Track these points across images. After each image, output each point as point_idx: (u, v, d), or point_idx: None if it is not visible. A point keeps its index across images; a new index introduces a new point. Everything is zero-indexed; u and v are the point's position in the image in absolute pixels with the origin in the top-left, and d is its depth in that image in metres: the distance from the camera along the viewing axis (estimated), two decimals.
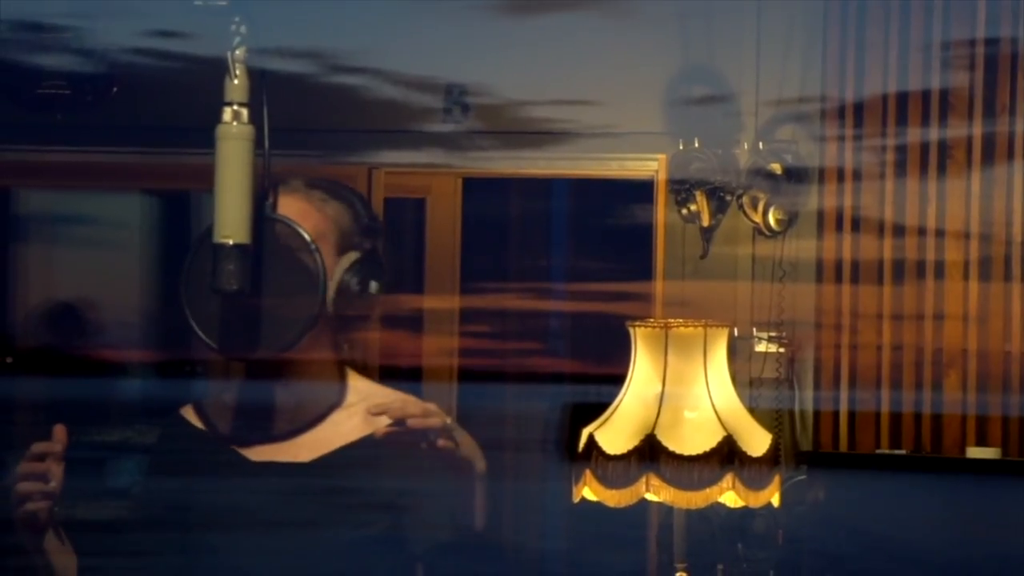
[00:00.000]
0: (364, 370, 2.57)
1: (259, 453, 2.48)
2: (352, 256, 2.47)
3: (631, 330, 3.86)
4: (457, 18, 5.01)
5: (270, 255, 2.35)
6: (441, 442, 2.35)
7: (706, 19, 5.12)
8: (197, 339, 2.39)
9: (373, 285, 2.48)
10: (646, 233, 5.27)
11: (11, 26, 5.09)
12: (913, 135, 5.00)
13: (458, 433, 2.40)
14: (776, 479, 3.80)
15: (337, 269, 2.45)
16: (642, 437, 3.70)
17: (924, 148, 5.00)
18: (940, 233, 4.96)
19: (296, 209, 2.44)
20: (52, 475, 2.35)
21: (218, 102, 2.32)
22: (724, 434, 3.70)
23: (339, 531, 2.42)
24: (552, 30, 5.08)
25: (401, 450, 2.36)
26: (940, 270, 4.96)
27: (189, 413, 2.56)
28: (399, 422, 2.33)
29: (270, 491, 2.44)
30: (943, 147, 4.98)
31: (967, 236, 4.94)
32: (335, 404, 2.51)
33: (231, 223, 2.30)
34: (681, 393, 3.75)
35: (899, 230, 4.99)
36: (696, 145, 5.02)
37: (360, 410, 2.48)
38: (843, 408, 4.99)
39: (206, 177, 2.33)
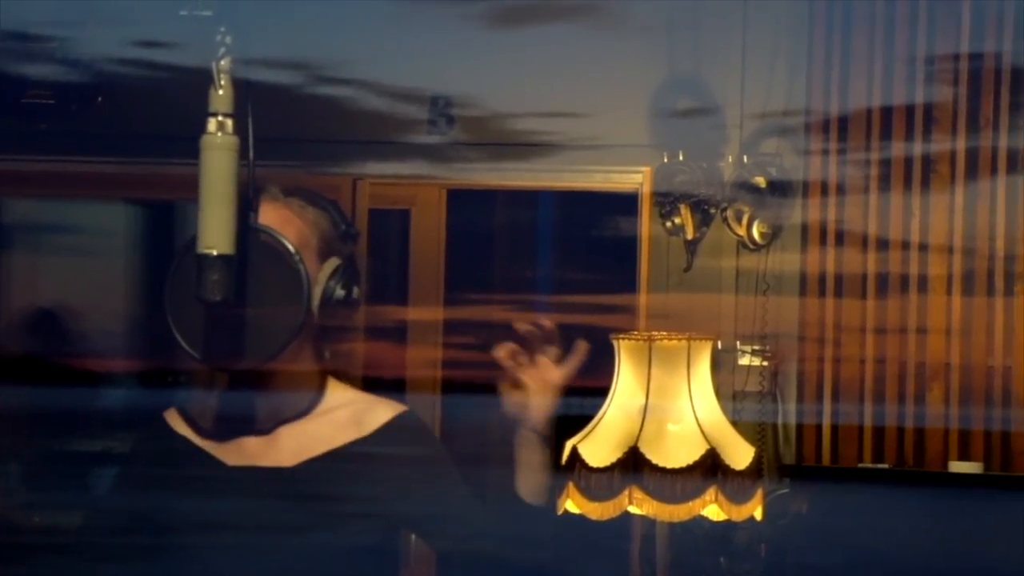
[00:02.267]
0: (347, 379, 2.58)
1: (239, 459, 2.48)
2: (334, 262, 2.48)
3: (615, 342, 3.86)
4: (442, 30, 5.01)
5: (254, 265, 2.35)
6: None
7: (691, 32, 5.13)
8: (180, 349, 2.39)
9: (355, 290, 2.49)
10: (630, 245, 5.28)
11: None
12: (897, 149, 5.01)
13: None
14: (759, 492, 3.80)
15: (320, 275, 2.45)
16: (625, 450, 3.69)
17: (908, 162, 5.01)
18: (924, 247, 4.97)
19: (277, 217, 2.45)
20: None
21: (203, 112, 2.32)
22: (707, 447, 3.70)
23: (317, 537, 2.42)
24: (537, 42, 5.09)
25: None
26: (923, 284, 4.97)
27: (172, 418, 2.56)
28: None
29: (250, 498, 2.44)
30: (927, 161, 4.99)
31: (950, 250, 4.95)
32: (317, 411, 2.51)
33: (215, 233, 2.29)
34: (664, 406, 3.75)
35: (883, 244, 5.00)
36: (681, 158, 5.02)
37: (341, 415, 2.49)
38: (826, 421, 5.00)
39: (190, 187, 2.32)
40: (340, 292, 2.46)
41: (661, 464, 3.67)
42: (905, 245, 4.98)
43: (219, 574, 2.43)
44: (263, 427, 2.49)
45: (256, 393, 2.49)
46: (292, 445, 2.48)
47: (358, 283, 2.51)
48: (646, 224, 5.18)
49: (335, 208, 2.56)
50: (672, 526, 3.84)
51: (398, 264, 5.77)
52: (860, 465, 4.95)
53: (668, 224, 5.06)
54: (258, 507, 2.44)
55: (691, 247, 5.08)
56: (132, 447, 2.63)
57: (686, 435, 3.73)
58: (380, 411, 2.52)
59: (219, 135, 2.31)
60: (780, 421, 5.05)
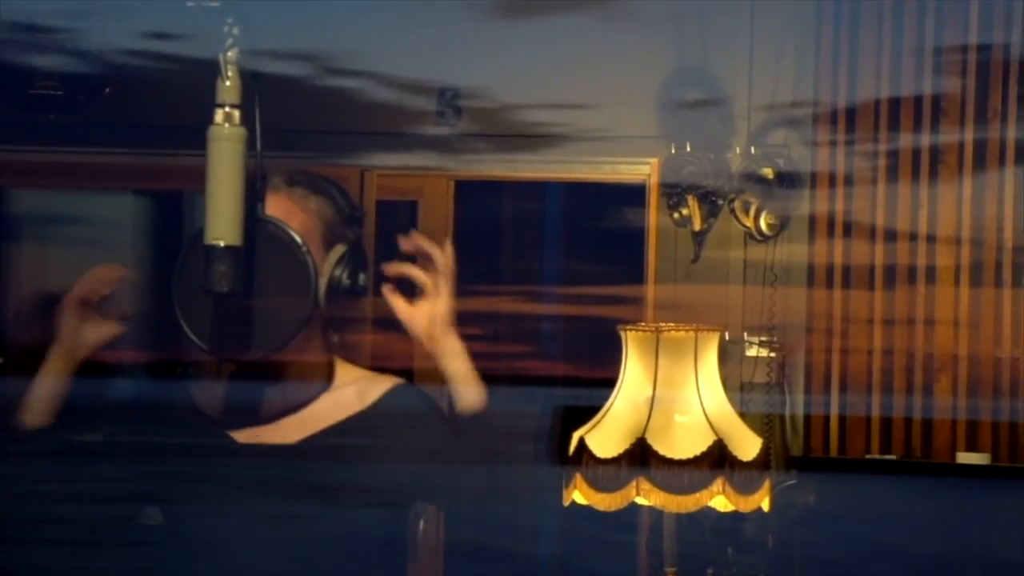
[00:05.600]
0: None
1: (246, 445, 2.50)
2: (340, 249, 2.48)
3: (622, 334, 3.86)
4: (450, 21, 5.01)
5: (262, 256, 2.35)
6: None
7: (699, 23, 5.12)
8: (188, 340, 2.39)
9: (362, 277, 2.49)
10: (638, 237, 5.28)
11: (5, 26, 5.09)
12: (905, 140, 5.01)
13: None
14: (766, 483, 3.79)
15: (326, 264, 2.46)
16: (633, 441, 3.69)
17: (916, 153, 5.00)
18: (931, 238, 4.97)
19: (280, 208, 2.45)
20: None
21: (210, 103, 2.32)
22: (715, 438, 3.69)
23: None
24: (545, 34, 5.09)
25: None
26: (931, 275, 4.97)
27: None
28: None
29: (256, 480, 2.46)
30: (935, 152, 4.99)
31: (958, 241, 4.95)
32: (324, 395, 2.52)
33: (222, 224, 2.29)
34: (672, 397, 3.74)
35: (890, 235, 4.99)
36: (688, 149, 5.02)
37: (347, 392, 2.50)
38: (834, 412, 5.00)
39: (198, 178, 2.32)
40: (347, 280, 2.47)
41: (668, 455, 3.67)
42: (913, 236, 4.98)
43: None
44: (270, 419, 2.49)
45: (264, 384, 2.49)
46: (297, 424, 2.49)
47: (365, 269, 2.51)
48: (654, 215, 5.18)
49: (340, 192, 2.56)
50: (679, 517, 3.84)
51: (405, 255, 5.77)
52: (868, 456, 4.95)
53: (676, 215, 5.06)
54: (262, 490, 2.45)
55: (699, 238, 5.08)
56: (137, 438, 2.64)
57: (693, 426, 3.72)
58: (381, 383, 2.56)
59: (226, 126, 2.31)
60: (788, 412, 5.05)
